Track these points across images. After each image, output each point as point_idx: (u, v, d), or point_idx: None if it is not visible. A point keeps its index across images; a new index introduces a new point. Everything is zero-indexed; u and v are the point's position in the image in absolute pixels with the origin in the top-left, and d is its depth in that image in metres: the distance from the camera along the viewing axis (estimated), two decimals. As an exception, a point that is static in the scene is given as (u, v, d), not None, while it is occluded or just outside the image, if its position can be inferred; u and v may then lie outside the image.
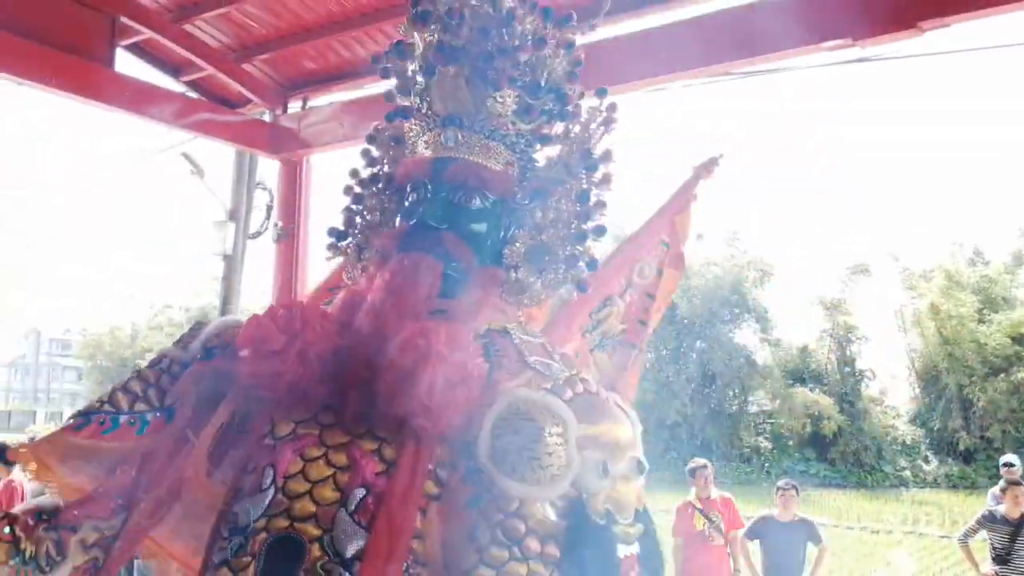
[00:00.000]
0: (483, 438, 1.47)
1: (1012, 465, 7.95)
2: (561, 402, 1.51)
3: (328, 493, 1.50)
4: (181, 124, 8.63)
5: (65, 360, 58.56)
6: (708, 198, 2.47)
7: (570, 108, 1.90)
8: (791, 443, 26.01)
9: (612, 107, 1.91)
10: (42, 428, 16.38)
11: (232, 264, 11.37)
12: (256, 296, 28.40)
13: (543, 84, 1.84)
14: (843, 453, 25.48)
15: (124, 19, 7.70)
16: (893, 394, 29.81)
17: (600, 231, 1.84)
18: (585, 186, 1.83)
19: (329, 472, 1.52)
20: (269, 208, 10.32)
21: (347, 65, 8.53)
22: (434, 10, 1.81)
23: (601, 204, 1.84)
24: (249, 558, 1.49)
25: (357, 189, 2.01)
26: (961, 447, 26.77)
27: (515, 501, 1.45)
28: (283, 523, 1.49)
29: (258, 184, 10.92)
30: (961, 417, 27.23)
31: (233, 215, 11.22)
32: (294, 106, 9.31)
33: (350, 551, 1.44)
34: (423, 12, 1.82)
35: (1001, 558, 6.32)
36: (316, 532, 1.47)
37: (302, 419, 1.60)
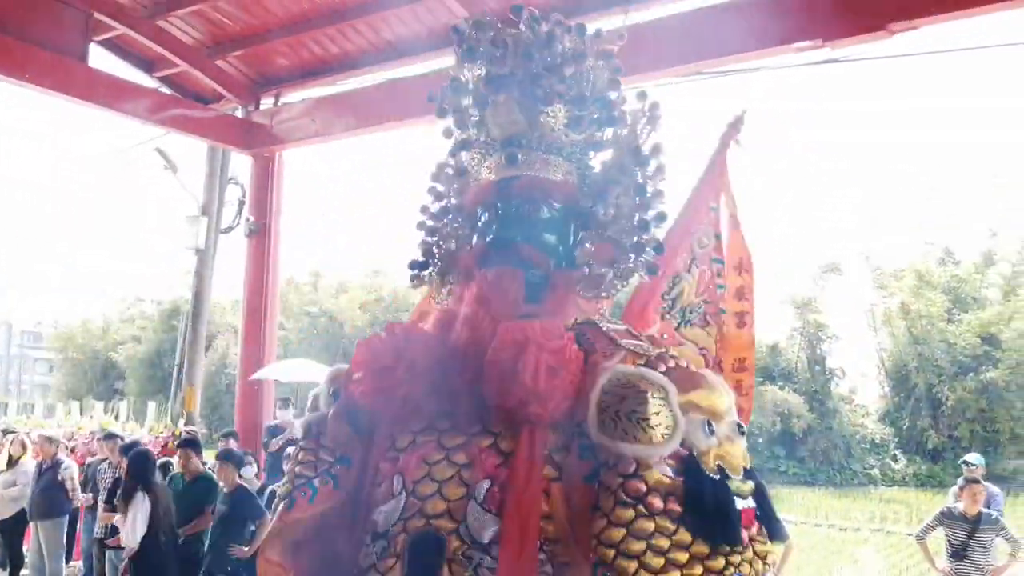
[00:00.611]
0: (592, 415, 1.60)
1: (973, 464, 8.08)
2: (658, 373, 1.64)
3: (456, 489, 1.64)
4: (154, 120, 8.62)
5: (36, 352, 57.94)
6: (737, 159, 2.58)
7: (616, 114, 2.00)
8: (761, 441, 26.21)
9: (655, 106, 1.99)
10: (13, 419, 16.22)
11: (204, 259, 11.36)
12: (227, 290, 27.89)
13: (588, 95, 1.95)
14: (812, 451, 25.67)
15: (98, 15, 7.68)
16: (863, 393, 30.09)
17: (662, 218, 1.97)
18: (640, 181, 1.94)
19: (453, 471, 1.66)
20: (241, 203, 10.32)
21: (319, 62, 8.55)
22: (478, 45, 1.93)
23: (659, 193, 1.96)
24: (393, 559, 1.64)
25: (430, 223, 2.11)
26: (929, 446, 27.06)
27: (632, 463, 1.53)
28: (419, 522, 1.64)
29: (230, 179, 10.93)
30: (930, 416, 27.52)
31: (205, 210, 11.20)
32: (267, 102, 9.32)
33: (486, 537, 1.58)
34: (469, 49, 1.95)
35: (958, 554, 6.41)
36: (451, 525, 1.61)
37: (420, 429, 1.75)
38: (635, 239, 1.91)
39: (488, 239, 1.88)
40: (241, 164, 10.30)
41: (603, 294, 1.94)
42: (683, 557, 1.49)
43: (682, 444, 1.57)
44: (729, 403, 1.69)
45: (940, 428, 27.29)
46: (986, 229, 31.16)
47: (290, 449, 4.14)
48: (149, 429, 11.12)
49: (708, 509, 1.52)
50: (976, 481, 6.64)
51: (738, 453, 1.63)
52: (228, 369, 28.10)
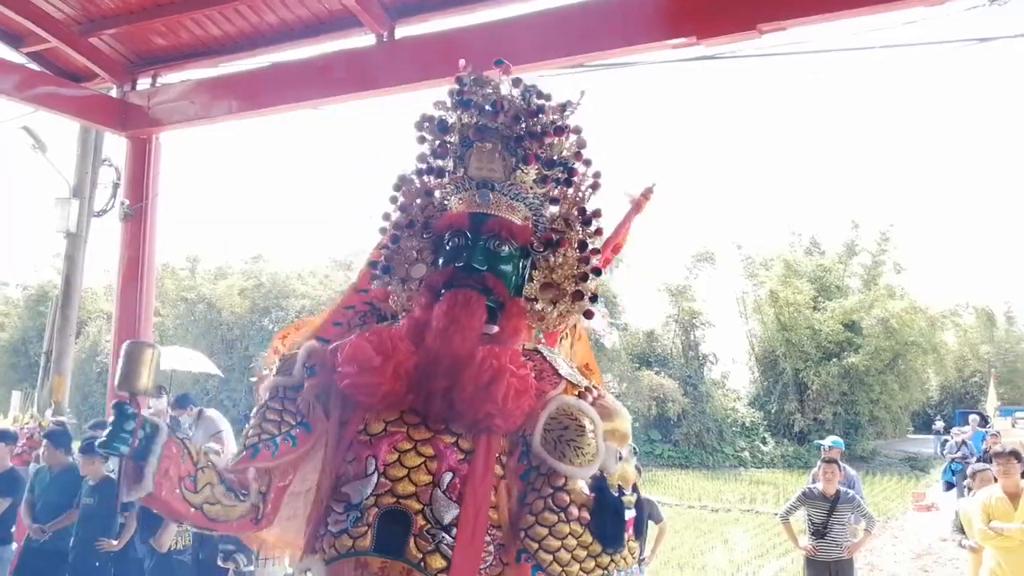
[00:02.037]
0: (537, 432, 2.00)
1: (830, 445, 8.56)
2: (589, 405, 2.05)
3: (423, 476, 1.96)
4: (22, 97, 8.24)
5: None
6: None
7: (575, 179, 2.33)
8: (637, 425, 26.87)
9: (598, 174, 2.34)
10: None
11: (75, 242, 10.92)
12: (100, 275, 26.94)
13: (556, 160, 2.29)
14: (687, 435, 26.44)
15: (-41, -15, 7.30)
16: (734, 378, 31.19)
17: (597, 272, 2.31)
18: (582, 237, 2.29)
19: (420, 461, 1.98)
20: (116, 186, 9.97)
21: (200, 43, 8.32)
22: (476, 99, 2.25)
23: (596, 251, 2.31)
24: (365, 527, 1.94)
25: (393, 231, 2.38)
26: (796, 428, 28.31)
27: (562, 478, 1.97)
28: (390, 500, 1.95)
29: (104, 161, 10.53)
30: (796, 400, 28.78)
31: (77, 192, 10.77)
32: (143, 83, 9.01)
33: (447, 519, 1.92)
34: (468, 100, 2.27)
35: (819, 532, 6.76)
36: (418, 506, 1.94)
37: (391, 420, 2.05)
38: (574, 287, 2.27)
39: (458, 264, 2.18)
40: (116, 145, 9.93)
41: (545, 328, 2.32)
42: (583, 554, 1.95)
43: (599, 468, 2.02)
44: (628, 427, 2.14)
45: (806, 411, 28.57)
46: (849, 221, 32.69)
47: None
48: (13, 420, 10.66)
49: (608, 520, 1.98)
50: (833, 461, 7.01)
51: (630, 471, 2.13)
52: (100, 357, 27.06)
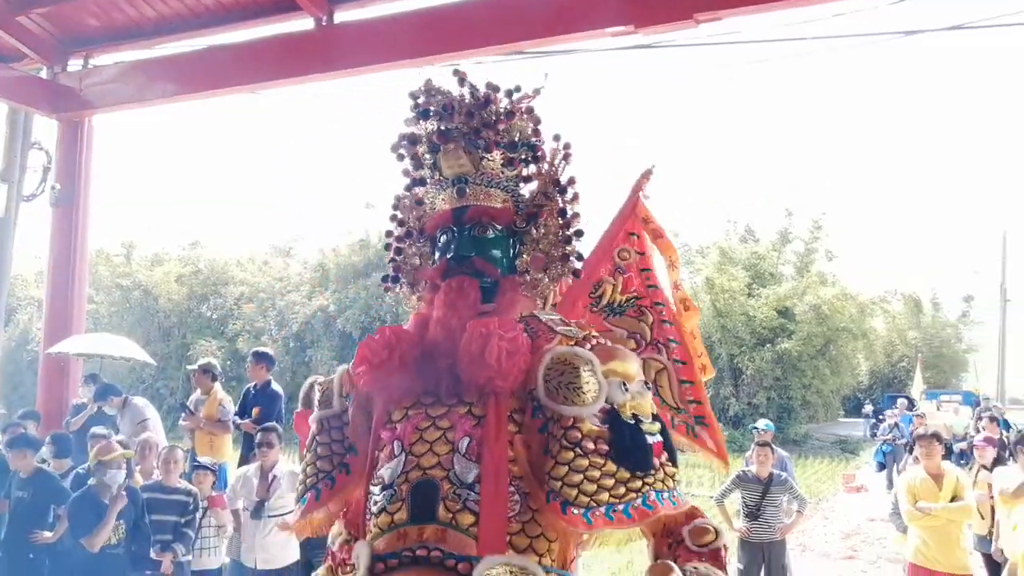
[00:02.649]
0: (539, 385, 2.15)
1: (762, 429, 8.75)
2: (585, 349, 2.21)
3: (443, 447, 2.13)
4: (-55, 78, 8.02)
5: None
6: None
7: (539, 154, 2.52)
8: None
9: (568, 145, 2.54)
10: None
11: (4, 227, 10.61)
12: (31, 262, 26.23)
13: (517, 141, 2.48)
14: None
15: None
16: (672, 363, 31.52)
17: (580, 233, 2.52)
18: (561, 205, 2.49)
19: (439, 433, 2.15)
20: (46, 170, 9.72)
21: (133, 24, 8.16)
22: (431, 108, 2.44)
23: (576, 215, 2.51)
24: (400, 502, 2.10)
25: (396, 244, 2.62)
26: (731, 413, 28.75)
27: (570, 419, 2.09)
28: (418, 473, 2.11)
29: (34, 144, 10.23)
30: (732, 385, 29.23)
31: (5, 176, 10.47)
32: (75, 64, 8.81)
33: (470, 478, 2.08)
34: (424, 110, 2.45)
35: (752, 514, 6.93)
36: (443, 473, 2.09)
37: (410, 405, 2.24)
38: (561, 251, 2.47)
39: (449, 256, 2.39)
40: (46, 128, 9.68)
41: (541, 294, 2.52)
42: (610, 482, 2.05)
43: (606, 401, 2.14)
44: (637, 368, 2.29)
45: (740, 396, 29.04)
46: (783, 210, 33.21)
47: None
48: (-64, 411, 10.38)
49: (627, 445, 2.09)
50: (766, 445, 7.19)
51: (647, 403, 2.24)
52: (31, 345, 26.35)
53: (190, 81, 8.12)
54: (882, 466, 18.18)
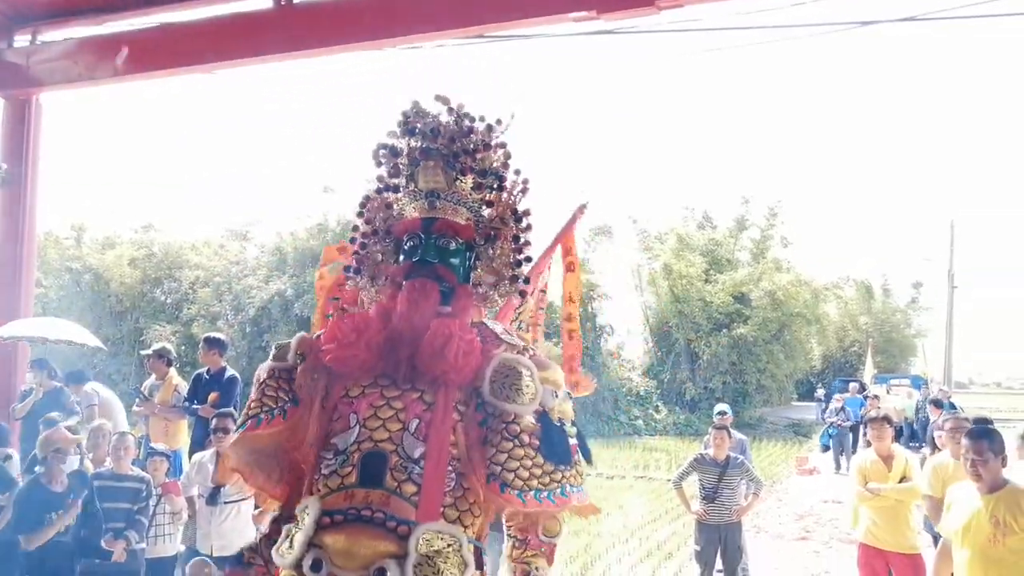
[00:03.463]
0: (486, 384, 2.50)
1: (722, 413, 8.84)
2: (526, 358, 2.56)
3: (394, 424, 2.45)
4: None
5: None
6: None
7: (506, 184, 2.85)
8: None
9: (526, 180, 2.87)
10: None
11: (-53, 209, 10.37)
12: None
13: (488, 170, 2.80)
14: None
15: None
16: (629, 348, 31.73)
17: (529, 259, 2.90)
18: (515, 232, 2.83)
19: (392, 412, 2.47)
20: (-8, 149, 9.49)
21: None
22: (418, 127, 2.77)
23: (528, 243, 2.85)
24: (351, 467, 2.41)
25: (362, 240, 2.92)
26: (687, 397, 29.14)
27: (511, 415, 2.46)
28: (369, 444, 2.43)
29: (-21, 123, 9.99)
30: (688, 369, 29.61)
31: (-52, 156, 10.21)
32: (22, 40, 8.58)
33: (416, 455, 2.41)
34: (412, 128, 2.78)
35: (709, 496, 7.00)
36: (392, 447, 2.41)
37: (367, 383, 2.54)
38: (511, 273, 2.82)
39: (414, 259, 2.71)
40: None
41: (489, 306, 2.88)
42: (538, 472, 2.45)
43: (540, 403, 2.52)
44: (562, 379, 2.70)
45: (697, 380, 29.40)
46: (740, 197, 33.59)
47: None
48: None
49: (553, 443, 2.50)
50: (723, 428, 7.26)
51: (568, 409, 2.66)
52: (-25, 329, 25.78)
53: (143, 59, 7.93)
54: (826, 448, 18.55)
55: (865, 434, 7.44)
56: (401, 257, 2.80)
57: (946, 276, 39.34)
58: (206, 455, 6.00)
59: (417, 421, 2.45)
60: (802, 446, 23.03)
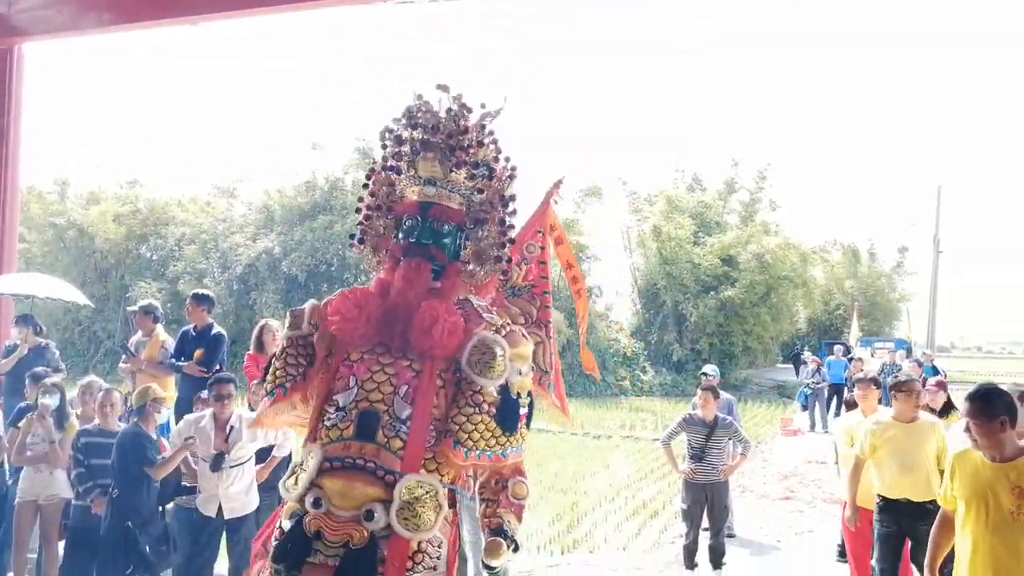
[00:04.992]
0: (464, 357, 2.87)
1: (709, 374, 8.86)
2: (501, 338, 2.92)
3: (388, 388, 2.84)
4: None
5: None
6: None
7: (495, 174, 3.19)
8: (523, 356, 27.08)
9: (514, 168, 3.23)
10: None
11: (-71, 162, 10.21)
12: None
13: (480, 162, 3.15)
14: (571, 365, 26.97)
15: None
16: (617, 310, 31.84)
17: (512, 241, 3.25)
18: (502, 216, 3.17)
19: (386, 377, 2.86)
20: (-27, 101, 9.33)
21: (67, -52, 7.80)
22: (421, 121, 3.12)
23: (512, 227, 3.21)
24: (348, 422, 2.81)
25: (366, 211, 3.28)
26: (674, 358, 29.26)
27: (479, 386, 2.84)
28: (365, 404, 2.82)
29: (-41, 74, 9.80)
30: (675, 331, 29.71)
31: (-72, 108, 10.03)
32: (3, -11, 8.41)
33: (404, 415, 2.80)
34: (415, 122, 3.13)
35: (697, 456, 7.02)
36: (384, 407, 2.81)
37: (366, 350, 2.93)
38: (496, 253, 3.16)
39: (411, 239, 3.07)
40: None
41: (475, 283, 3.19)
42: (488, 435, 2.84)
43: (505, 379, 2.89)
44: (530, 350, 3.07)
45: (684, 342, 29.52)
46: (729, 160, 33.51)
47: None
48: None
49: (507, 414, 2.89)
50: (711, 388, 7.28)
51: (528, 383, 3.01)
52: (-42, 285, 25.59)
53: (128, 10, 7.79)
54: (805, 407, 18.88)
55: (851, 393, 7.44)
56: (400, 235, 3.16)
57: (931, 241, 39.51)
58: (204, 419, 5.80)
59: (406, 387, 2.85)
60: (787, 407, 23.18)
